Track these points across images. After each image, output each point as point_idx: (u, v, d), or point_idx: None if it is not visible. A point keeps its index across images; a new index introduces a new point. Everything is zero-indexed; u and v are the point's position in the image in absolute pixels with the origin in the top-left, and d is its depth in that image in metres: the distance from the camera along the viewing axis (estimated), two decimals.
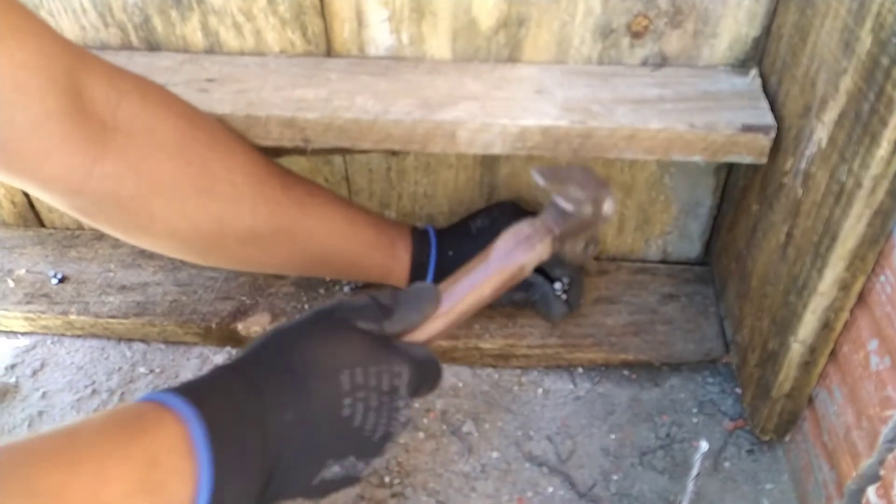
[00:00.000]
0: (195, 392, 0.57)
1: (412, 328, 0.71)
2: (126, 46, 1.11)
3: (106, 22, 1.08)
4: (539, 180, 0.82)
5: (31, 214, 1.35)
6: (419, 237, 1.06)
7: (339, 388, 0.60)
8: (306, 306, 1.19)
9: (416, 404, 1.05)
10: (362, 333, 0.65)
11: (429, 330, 0.74)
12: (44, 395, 1.14)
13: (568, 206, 0.81)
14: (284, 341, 0.64)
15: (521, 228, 0.81)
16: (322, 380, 0.60)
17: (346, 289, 1.22)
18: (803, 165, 0.87)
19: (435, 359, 0.71)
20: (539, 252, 0.80)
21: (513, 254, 0.79)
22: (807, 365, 0.90)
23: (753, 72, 1.01)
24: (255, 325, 1.16)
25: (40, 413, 1.12)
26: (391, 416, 0.64)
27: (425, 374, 0.69)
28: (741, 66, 1.03)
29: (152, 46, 1.10)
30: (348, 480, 0.66)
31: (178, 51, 1.11)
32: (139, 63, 1.08)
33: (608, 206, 0.84)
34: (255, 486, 0.57)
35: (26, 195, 1.32)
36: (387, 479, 1.01)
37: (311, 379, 0.60)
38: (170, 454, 0.52)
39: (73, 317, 1.20)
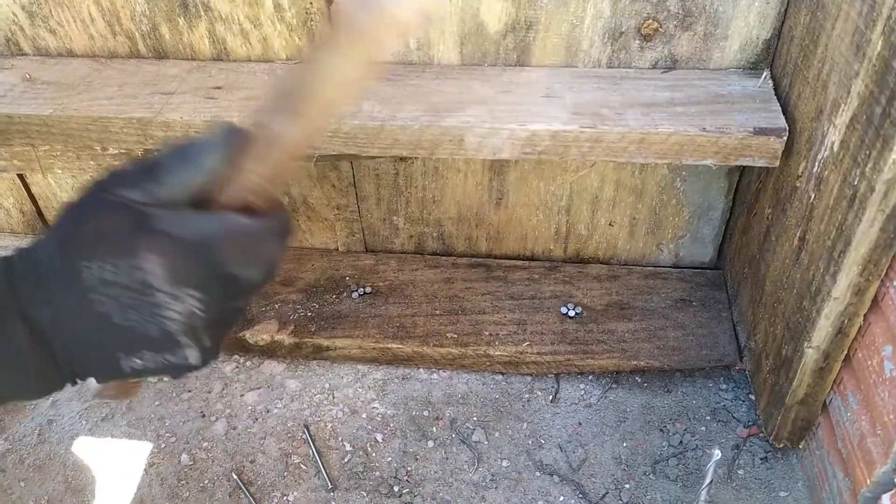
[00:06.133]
0: None
1: (194, 188, 0.53)
2: (134, 55, 1.11)
3: (114, 31, 1.08)
4: None
5: (39, 223, 1.35)
6: None
7: (82, 283, 0.52)
8: (313, 313, 1.19)
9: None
10: (119, 211, 0.53)
11: (265, 163, 0.53)
12: (52, 403, 1.14)
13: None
14: (55, 223, 0.55)
15: None
16: (64, 274, 0.53)
17: (355, 294, 1.22)
18: (816, 169, 0.86)
19: (249, 225, 0.52)
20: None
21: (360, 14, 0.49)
22: (821, 371, 0.89)
23: (765, 74, 1.00)
24: (263, 333, 1.16)
25: (49, 422, 1.12)
26: (153, 312, 0.52)
27: (222, 251, 0.52)
28: (752, 68, 1.02)
29: (160, 55, 1.10)
30: (172, 369, 0.55)
31: (185, 59, 1.11)
32: (147, 72, 1.08)
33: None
34: (35, 371, 0.53)
35: (35, 205, 1.32)
36: (395, 489, 1.01)
37: (54, 273, 0.53)
38: None
39: None
